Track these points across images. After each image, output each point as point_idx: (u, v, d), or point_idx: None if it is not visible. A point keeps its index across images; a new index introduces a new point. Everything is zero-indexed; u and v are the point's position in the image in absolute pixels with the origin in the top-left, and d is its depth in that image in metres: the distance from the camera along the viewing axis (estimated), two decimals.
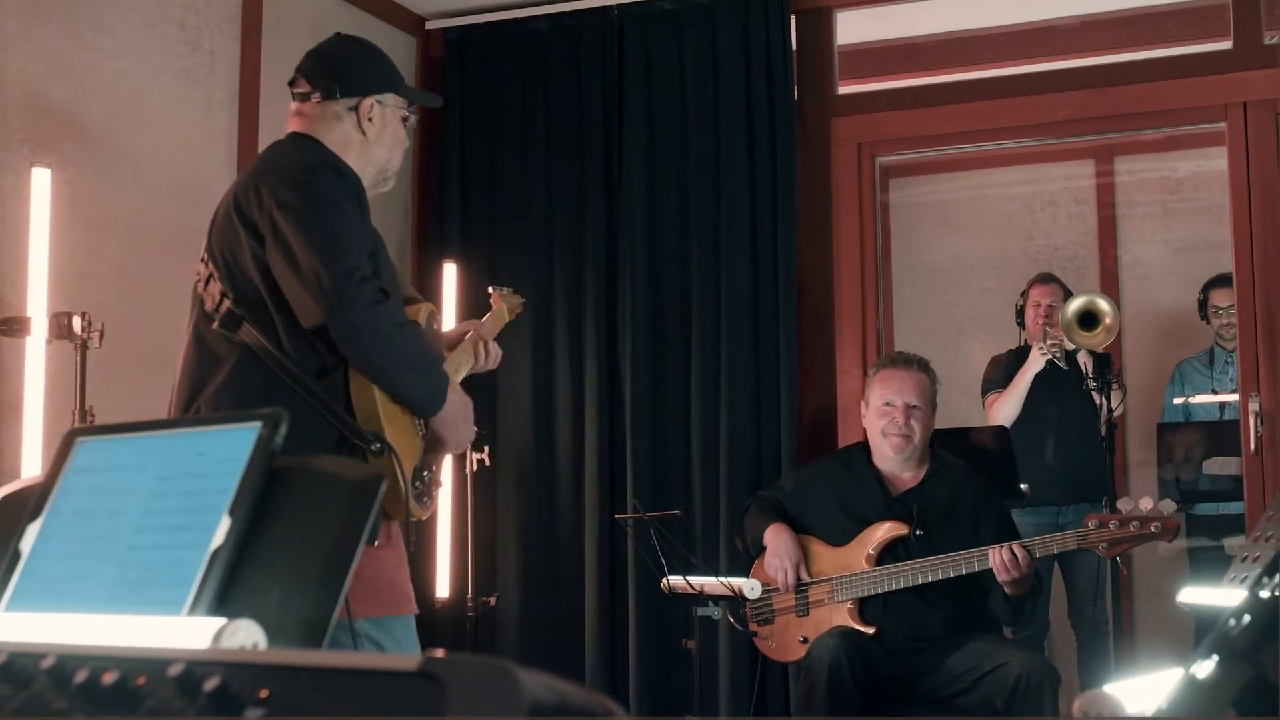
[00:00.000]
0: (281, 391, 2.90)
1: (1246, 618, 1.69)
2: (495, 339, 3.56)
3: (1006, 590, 4.25)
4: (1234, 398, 5.89)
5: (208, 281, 3.05)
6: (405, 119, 3.28)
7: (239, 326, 2.97)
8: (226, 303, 2.99)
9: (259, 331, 2.95)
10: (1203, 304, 6.14)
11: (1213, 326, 6.10)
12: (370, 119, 3.18)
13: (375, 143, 3.20)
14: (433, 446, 3.16)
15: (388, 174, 3.29)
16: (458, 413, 3.15)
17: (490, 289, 3.81)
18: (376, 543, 2.99)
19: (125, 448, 1.57)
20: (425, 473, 3.12)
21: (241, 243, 2.98)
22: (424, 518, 3.17)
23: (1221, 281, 6.04)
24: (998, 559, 4.18)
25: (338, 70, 3.21)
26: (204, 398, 2.99)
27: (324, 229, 2.89)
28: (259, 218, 2.95)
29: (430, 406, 3.08)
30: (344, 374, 2.95)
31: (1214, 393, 6.00)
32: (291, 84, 3.25)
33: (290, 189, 2.94)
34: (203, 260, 3.11)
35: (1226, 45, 5.15)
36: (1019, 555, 4.17)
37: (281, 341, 2.95)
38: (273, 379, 2.92)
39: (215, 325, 3.00)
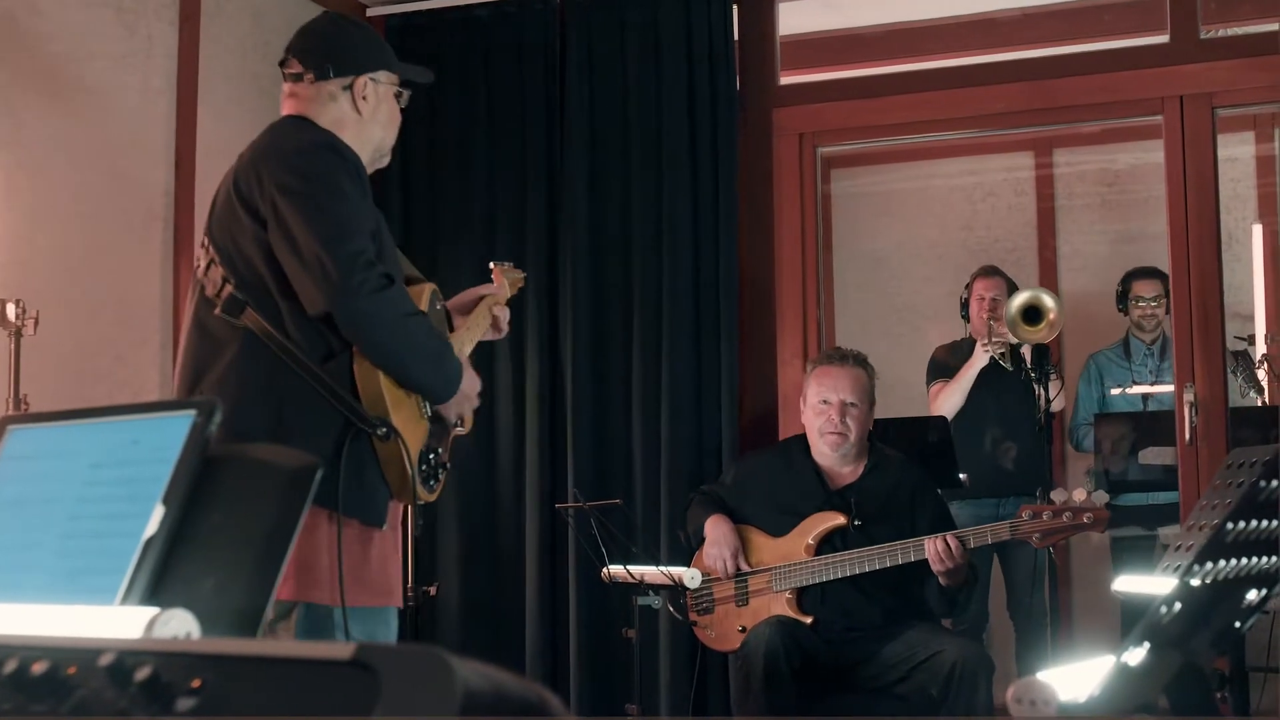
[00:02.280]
0: (286, 376, 2.89)
1: (1178, 605, 1.71)
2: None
3: (941, 581, 4.29)
4: (1154, 389, 5.95)
5: (208, 267, 3.02)
6: (398, 95, 3.26)
7: (242, 311, 2.94)
8: (229, 288, 2.96)
9: (262, 316, 2.92)
10: (1122, 295, 6.18)
11: (1131, 317, 6.15)
12: (365, 97, 3.15)
13: (370, 121, 3.18)
14: (440, 426, 3.15)
15: (384, 151, 3.27)
16: (464, 391, 3.15)
17: (491, 264, 3.80)
18: (384, 526, 3.00)
19: (58, 435, 1.56)
20: (432, 455, 3.09)
21: (243, 227, 2.95)
22: (431, 500, 3.16)
23: (1143, 273, 6.11)
24: (932, 549, 4.21)
25: (330, 49, 3.17)
26: (206, 384, 2.95)
27: (325, 212, 2.87)
28: (260, 201, 2.92)
29: (444, 394, 3.09)
30: (349, 358, 2.92)
31: (1134, 384, 6.05)
32: (282, 64, 3.21)
33: (291, 172, 2.92)
34: (202, 245, 3.08)
35: (1163, 39, 5.20)
36: (953, 545, 4.20)
37: (286, 326, 2.92)
38: (277, 364, 2.90)
39: (217, 311, 2.97)
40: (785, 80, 5.65)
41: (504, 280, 3.71)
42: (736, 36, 5.55)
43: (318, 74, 3.14)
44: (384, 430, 2.90)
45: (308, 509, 1.40)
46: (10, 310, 3.95)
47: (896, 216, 7.62)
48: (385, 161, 3.32)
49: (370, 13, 5.97)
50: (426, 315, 3.08)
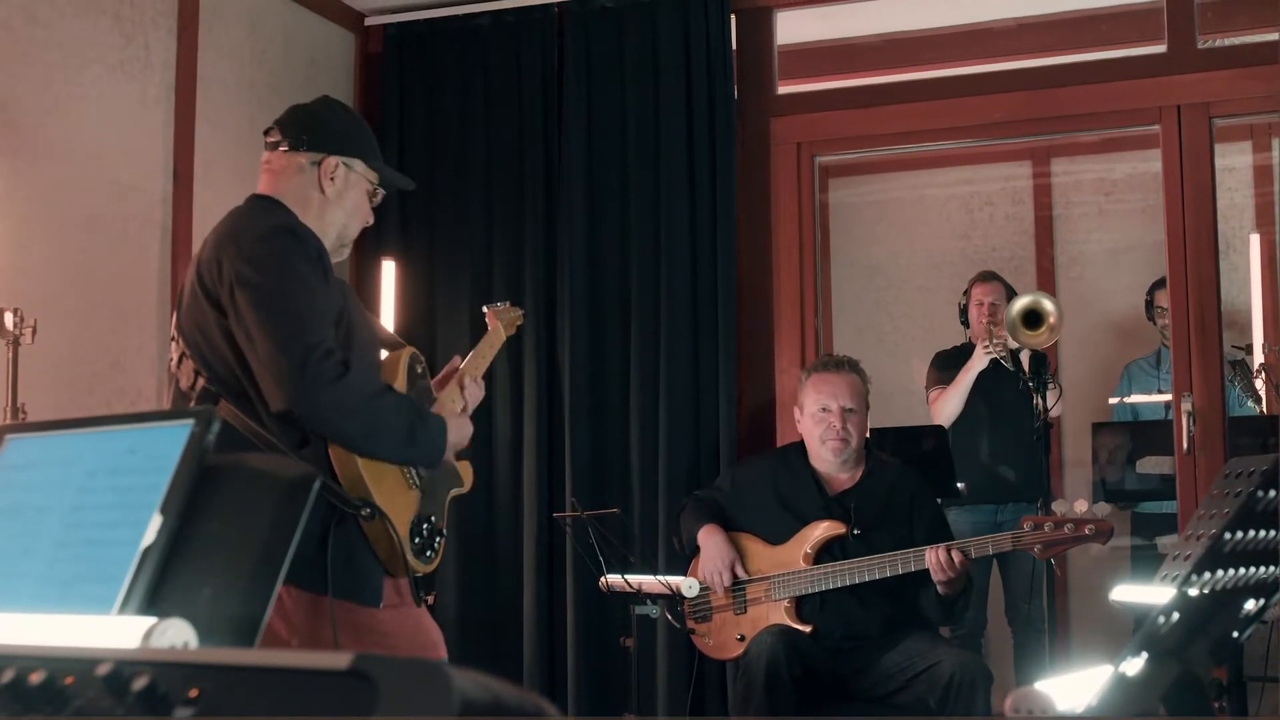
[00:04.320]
0: None
1: (1175, 615, 1.70)
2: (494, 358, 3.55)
3: (939, 590, 4.28)
4: (1166, 398, 5.95)
5: (180, 360, 3.02)
6: (372, 193, 3.23)
7: (216, 404, 2.92)
8: (201, 380, 2.95)
9: (236, 407, 2.91)
10: (1149, 305, 6.19)
11: (1158, 327, 6.15)
12: (332, 178, 3.13)
13: (334, 204, 3.15)
14: (433, 492, 3.12)
15: (345, 240, 3.23)
16: (454, 443, 3.14)
17: (485, 308, 3.75)
18: (382, 604, 2.98)
19: (55, 445, 1.56)
20: (425, 525, 3.06)
21: (209, 319, 2.94)
22: (429, 570, 3.12)
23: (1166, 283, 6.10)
24: (934, 559, 4.20)
25: (310, 124, 3.17)
26: None
27: (280, 306, 2.86)
28: (222, 292, 2.91)
29: (429, 461, 3.07)
30: (324, 443, 2.91)
31: (1160, 392, 6.05)
32: (266, 133, 3.20)
33: (248, 263, 2.90)
34: (173, 339, 3.07)
35: (1161, 49, 5.21)
36: (955, 557, 4.19)
37: (260, 414, 2.91)
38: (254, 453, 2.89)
39: (192, 404, 2.95)
40: (783, 90, 5.65)
41: (498, 323, 3.68)
42: (734, 46, 5.56)
43: (292, 144, 3.13)
44: (368, 511, 2.89)
45: (304, 520, 1.39)
46: (8, 319, 3.95)
47: (894, 225, 7.62)
48: (345, 254, 3.28)
49: (369, 21, 5.97)
50: (392, 390, 3.03)
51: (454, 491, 3.25)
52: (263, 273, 2.89)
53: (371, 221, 3.28)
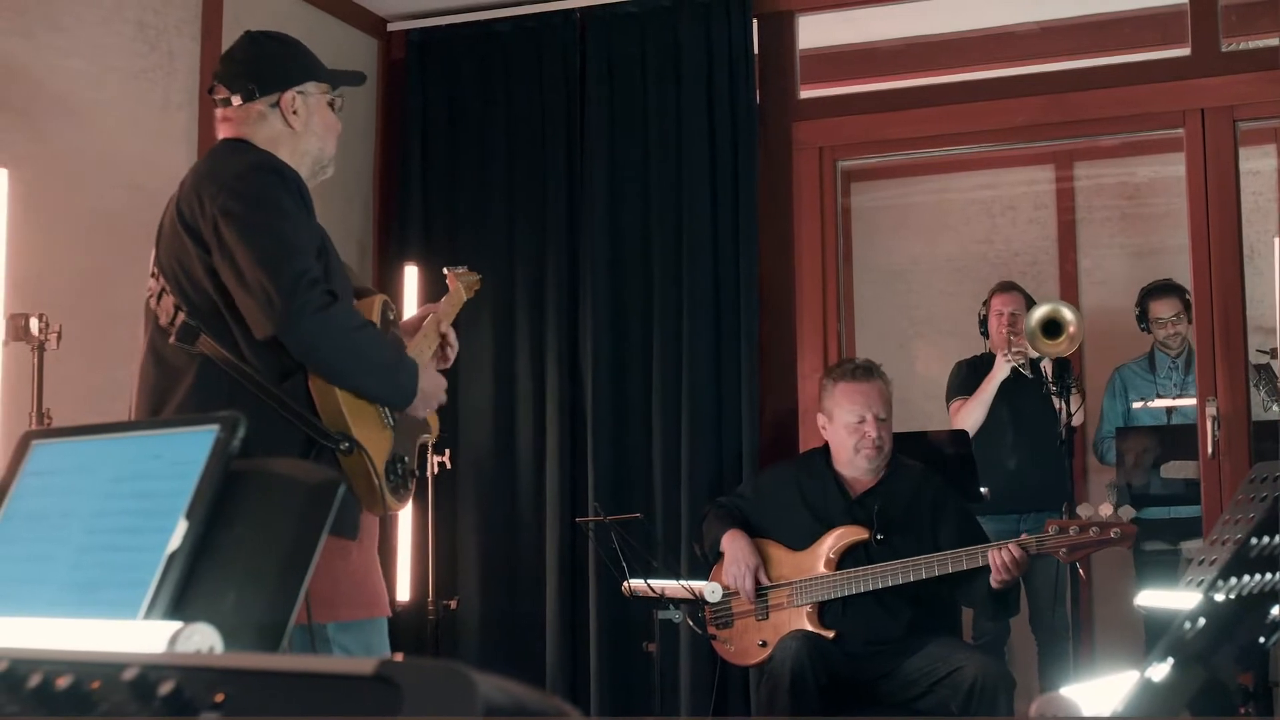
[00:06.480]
0: (245, 399, 2.88)
1: (1202, 621, 1.70)
2: (454, 322, 3.54)
3: (994, 584, 4.24)
4: (1179, 402, 5.93)
5: (160, 296, 3.03)
6: (332, 103, 3.26)
7: (196, 338, 2.95)
8: (181, 315, 2.97)
9: (217, 341, 2.93)
10: (1141, 314, 6.15)
11: (1155, 337, 6.12)
12: (295, 112, 3.16)
13: (305, 134, 3.17)
14: (404, 434, 3.15)
15: (324, 162, 3.26)
16: (425, 390, 3.14)
17: (445, 270, 3.78)
18: (357, 537, 2.99)
19: (80, 450, 1.56)
20: (399, 464, 3.09)
21: (190, 253, 2.96)
22: (401, 509, 3.16)
23: (1158, 291, 6.07)
24: (1000, 560, 4.16)
25: (252, 69, 3.17)
26: (166, 413, 2.96)
27: (267, 235, 2.88)
28: (204, 226, 2.93)
29: (402, 401, 3.08)
30: (305, 376, 2.93)
31: (1158, 397, 6.03)
32: (210, 91, 3.22)
33: (232, 196, 2.93)
34: (153, 275, 3.08)
35: (1185, 52, 5.19)
36: (1017, 554, 4.16)
37: (241, 349, 2.93)
38: (236, 388, 2.91)
39: (172, 339, 2.98)
40: (805, 94, 5.65)
41: (459, 285, 3.70)
42: (756, 50, 5.55)
43: (244, 96, 3.15)
44: (346, 445, 2.91)
45: (329, 525, 1.40)
46: (33, 324, 3.96)
47: (916, 230, 7.61)
48: (329, 172, 3.31)
49: (391, 27, 5.99)
50: (375, 326, 3.08)
51: (423, 437, 3.27)
52: (247, 204, 2.92)
53: (339, 128, 3.29)
